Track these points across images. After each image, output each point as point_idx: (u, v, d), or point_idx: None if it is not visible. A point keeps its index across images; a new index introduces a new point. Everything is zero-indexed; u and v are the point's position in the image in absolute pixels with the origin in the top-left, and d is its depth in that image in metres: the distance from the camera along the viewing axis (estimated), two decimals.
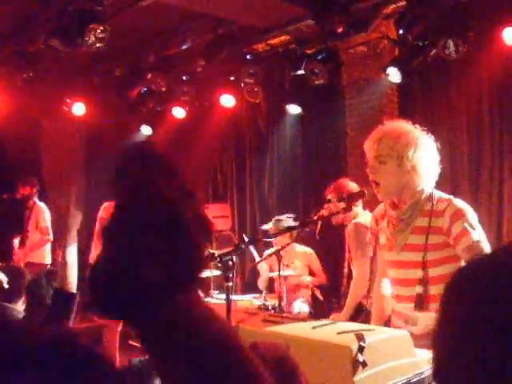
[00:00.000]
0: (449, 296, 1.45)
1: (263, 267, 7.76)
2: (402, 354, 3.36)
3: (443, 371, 1.43)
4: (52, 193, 10.06)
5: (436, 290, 3.79)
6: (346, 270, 5.95)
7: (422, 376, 3.27)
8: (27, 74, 8.59)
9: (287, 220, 7.40)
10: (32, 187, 8.65)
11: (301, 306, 7.09)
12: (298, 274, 7.36)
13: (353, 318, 5.44)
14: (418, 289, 3.88)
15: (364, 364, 3.09)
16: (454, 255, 3.84)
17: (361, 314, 5.53)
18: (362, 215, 5.63)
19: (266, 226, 7.68)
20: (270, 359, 2.34)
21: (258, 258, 7.20)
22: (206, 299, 6.01)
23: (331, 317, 5.99)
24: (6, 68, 8.64)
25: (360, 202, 5.70)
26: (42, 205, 9.05)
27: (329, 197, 5.61)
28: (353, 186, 5.79)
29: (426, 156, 4.04)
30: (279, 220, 7.47)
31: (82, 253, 7.60)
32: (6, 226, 8.57)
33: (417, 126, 4.25)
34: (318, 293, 7.43)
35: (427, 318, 3.72)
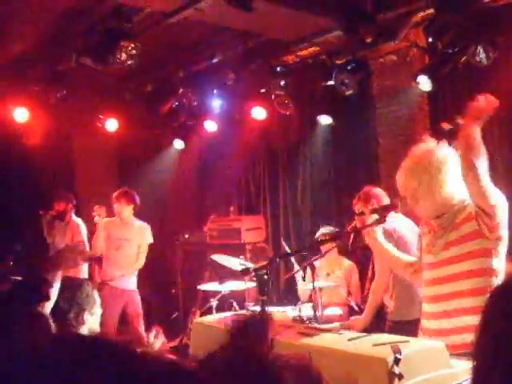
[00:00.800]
0: (492, 309, 1.45)
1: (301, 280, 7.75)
2: (438, 366, 3.35)
3: (482, 382, 1.43)
4: (86, 208, 10.15)
5: (471, 302, 3.78)
6: (370, 274, 5.93)
7: None
8: (60, 92, 8.71)
9: (333, 231, 7.39)
10: (67, 203, 8.71)
11: (334, 310, 7.10)
12: (335, 284, 7.31)
13: (372, 323, 5.49)
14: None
15: (400, 376, 3.09)
16: (486, 267, 3.85)
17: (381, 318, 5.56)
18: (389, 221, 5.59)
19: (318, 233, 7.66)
20: (294, 369, 2.36)
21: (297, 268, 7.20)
22: (241, 311, 6.01)
23: (351, 318, 6.01)
24: (39, 87, 8.77)
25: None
26: (77, 220, 9.13)
27: (357, 206, 5.59)
28: (380, 194, 5.76)
29: (450, 170, 4.09)
30: (325, 232, 7.46)
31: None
32: (42, 242, 8.66)
33: (437, 141, 4.26)
34: (354, 304, 7.40)
35: None
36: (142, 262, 8.54)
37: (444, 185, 4.05)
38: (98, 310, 4.07)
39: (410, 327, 5.08)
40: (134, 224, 8.58)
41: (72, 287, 4.08)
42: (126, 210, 8.40)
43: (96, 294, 4.03)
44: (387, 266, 5.33)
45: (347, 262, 7.77)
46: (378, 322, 5.62)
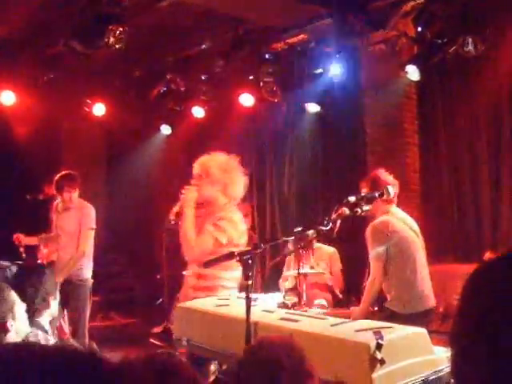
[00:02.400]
0: (472, 293, 1.46)
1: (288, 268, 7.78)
2: (421, 352, 3.38)
3: (461, 368, 1.44)
4: None
5: None
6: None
7: (441, 374, 3.29)
8: (48, 76, 8.68)
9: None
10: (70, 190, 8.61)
11: (320, 301, 7.12)
12: (319, 273, 7.35)
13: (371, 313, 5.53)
14: None
15: (382, 361, 3.11)
16: None
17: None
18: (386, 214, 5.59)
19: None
20: (279, 349, 2.42)
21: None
22: (227, 297, 6.03)
23: (351, 309, 6.03)
24: (27, 70, 8.72)
25: (395, 198, 5.66)
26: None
27: (363, 190, 5.56)
28: (388, 179, 5.73)
29: None
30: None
31: (99, 250, 7.63)
32: (29, 226, 8.62)
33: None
34: (338, 292, 7.43)
35: None
36: None
37: None
38: (58, 295, 4.07)
39: (411, 319, 5.13)
40: None
41: (38, 273, 4.07)
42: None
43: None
44: (381, 270, 5.37)
45: (330, 249, 7.78)
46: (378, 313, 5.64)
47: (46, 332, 3.96)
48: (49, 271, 4.05)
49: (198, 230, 5.12)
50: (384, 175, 5.78)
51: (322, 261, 7.62)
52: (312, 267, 7.16)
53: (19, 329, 3.55)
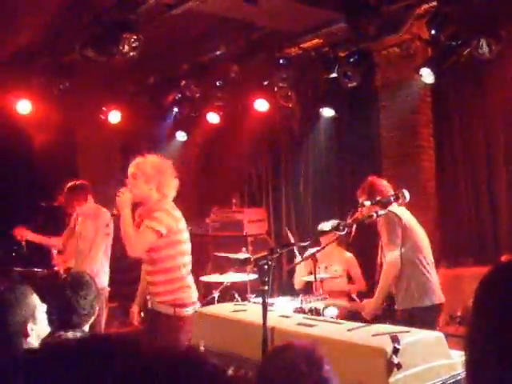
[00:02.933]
0: (485, 298, 1.45)
1: (300, 269, 7.77)
2: (437, 356, 3.37)
3: (474, 372, 1.44)
4: None
5: None
6: (379, 259, 5.95)
7: (458, 378, 3.27)
8: (63, 84, 8.71)
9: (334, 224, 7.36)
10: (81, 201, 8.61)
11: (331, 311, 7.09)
12: (335, 276, 7.34)
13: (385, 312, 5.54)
14: None
15: (399, 366, 3.10)
16: None
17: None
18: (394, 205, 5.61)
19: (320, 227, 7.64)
20: (298, 355, 2.42)
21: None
22: (244, 303, 6.02)
23: (364, 301, 6.04)
24: (42, 79, 8.76)
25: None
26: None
27: (361, 199, 5.60)
28: (384, 184, 5.79)
29: None
30: (324, 228, 7.44)
31: (117, 258, 7.64)
32: (44, 233, 8.66)
33: None
34: (354, 296, 7.41)
35: None
36: None
37: None
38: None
39: (420, 315, 5.17)
40: None
41: (84, 284, 4.04)
42: None
43: None
44: (398, 256, 5.39)
45: (347, 255, 7.77)
46: (390, 312, 5.66)
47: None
48: (92, 281, 4.05)
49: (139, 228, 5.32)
50: (378, 181, 5.86)
51: (338, 264, 7.60)
52: (326, 267, 7.17)
53: (40, 332, 3.59)
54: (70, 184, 7.72)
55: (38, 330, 3.59)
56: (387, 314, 5.57)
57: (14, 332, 3.46)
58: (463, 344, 1.49)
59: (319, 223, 7.59)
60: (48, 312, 3.70)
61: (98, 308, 4.01)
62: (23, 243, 8.06)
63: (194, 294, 5.41)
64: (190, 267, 5.47)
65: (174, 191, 5.50)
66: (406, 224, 5.51)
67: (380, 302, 5.57)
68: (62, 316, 3.83)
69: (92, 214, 7.57)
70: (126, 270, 8.79)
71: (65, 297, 3.85)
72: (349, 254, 7.79)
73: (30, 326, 3.52)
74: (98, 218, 7.50)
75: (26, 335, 3.50)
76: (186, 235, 5.47)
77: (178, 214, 5.41)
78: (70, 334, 3.79)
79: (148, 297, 5.52)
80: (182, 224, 5.43)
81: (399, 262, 5.45)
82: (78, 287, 3.92)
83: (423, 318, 5.26)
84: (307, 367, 2.34)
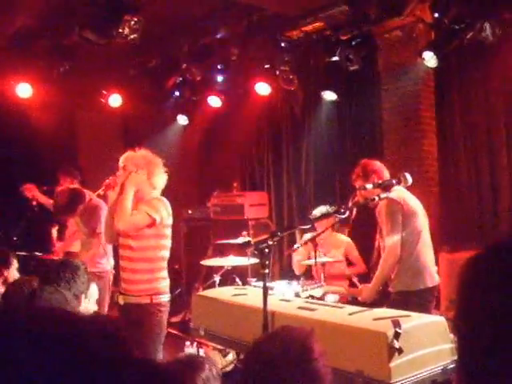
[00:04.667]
0: (482, 278, 1.43)
1: (298, 253, 7.76)
2: (439, 340, 3.35)
3: (466, 357, 1.42)
4: (89, 184, 10.13)
5: None
6: (376, 243, 5.94)
7: None
8: (63, 67, 8.67)
9: (330, 208, 7.34)
10: (73, 179, 8.59)
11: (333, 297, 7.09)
12: (336, 260, 7.33)
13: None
14: None
15: (400, 350, 3.09)
16: None
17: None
18: (395, 190, 5.58)
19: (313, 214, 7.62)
20: (294, 342, 2.40)
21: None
22: (244, 287, 6.01)
23: (360, 287, 6.03)
24: (41, 61, 8.72)
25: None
26: (98, 202, 8.98)
27: (357, 183, 5.58)
28: (377, 165, 5.76)
29: None
30: (323, 208, 7.42)
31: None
32: (45, 217, 8.64)
33: None
34: (355, 280, 7.40)
35: None
36: None
37: None
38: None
39: (414, 297, 5.17)
40: None
41: (72, 267, 4.07)
42: None
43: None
44: (398, 242, 5.37)
45: (344, 239, 7.75)
46: (384, 295, 5.65)
47: None
48: (83, 267, 4.06)
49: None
50: (371, 162, 5.81)
51: (337, 249, 7.59)
52: (324, 255, 7.15)
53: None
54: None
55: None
56: (382, 296, 5.57)
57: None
58: (456, 330, 1.48)
59: (320, 207, 7.57)
60: None
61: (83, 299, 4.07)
62: (34, 203, 8.07)
63: (167, 286, 5.43)
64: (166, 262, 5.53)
65: (162, 184, 5.60)
66: (406, 209, 5.48)
67: (378, 287, 5.55)
68: None
69: (94, 212, 7.57)
70: None
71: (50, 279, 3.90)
72: (346, 238, 7.77)
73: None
74: (101, 211, 7.49)
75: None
76: (170, 232, 5.51)
77: (170, 209, 5.46)
78: None
79: (117, 294, 5.54)
80: (171, 220, 5.48)
81: (399, 248, 5.43)
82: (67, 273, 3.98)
83: (418, 300, 5.25)
84: (298, 357, 2.32)
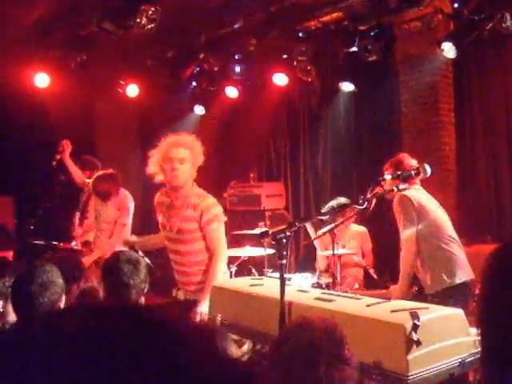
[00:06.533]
0: (503, 275, 1.41)
1: (318, 245, 7.75)
2: (457, 333, 3.33)
3: (489, 349, 1.40)
4: None
5: None
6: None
7: (478, 356, 3.23)
8: (80, 58, 8.69)
9: (347, 200, 7.30)
10: (92, 169, 8.58)
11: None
12: (352, 253, 7.30)
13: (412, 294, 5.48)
14: None
15: (418, 342, 3.07)
16: None
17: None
18: (411, 189, 5.52)
19: (327, 205, 7.58)
20: (318, 332, 2.38)
21: (313, 236, 7.19)
22: (261, 277, 6.00)
23: (390, 288, 5.95)
24: (59, 52, 8.75)
25: (418, 181, 5.58)
26: (125, 192, 8.98)
27: (386, 173, 5.51)
28: (412, 162, 5.66)
29: None
30: (339, 200, 7.38)
31: (137, 233, 7.64)
32: (66, 206, 8.68)
33: None
34: (372, 271, 7.37)
35: None
36: None
37: None
38: None
39: (453, 293, 5.10)
40: None
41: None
42: None
43: None
44: (414, 240, 5.32)
45: (360, 228, 7.72)
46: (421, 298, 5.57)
47: None
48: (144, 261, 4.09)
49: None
50: (408, 159, 5.69)
51: (353, 239, 7.57)
52: (344, 246, 7.12)
53: None
54: (110, 172, 7.68)
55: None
56: (418, 299, 5.49)
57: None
58: (480, 323, 1.46)
59: (337, 198, 7.53)
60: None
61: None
62: (58, 156, 8.08)
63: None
64: None
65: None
66: (418, 206, 5.41)
67: (406, 286, 5.46)
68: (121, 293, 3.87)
69: (124, 206, 7.56)
70: None
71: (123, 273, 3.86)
72: (362, 228, 7.74)
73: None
74: (129, 210, 7.51)
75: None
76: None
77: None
78: None
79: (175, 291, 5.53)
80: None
81: (415, 243, 5.37)
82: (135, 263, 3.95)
83: (455, 296, 5.16)
84: (327, 345, 2.30)
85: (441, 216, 5.60)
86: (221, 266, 5.18)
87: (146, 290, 4.01)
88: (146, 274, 3.96)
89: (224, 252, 5.25)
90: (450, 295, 5.16)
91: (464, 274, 5.43)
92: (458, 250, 5.53)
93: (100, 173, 7.73)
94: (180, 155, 5.31)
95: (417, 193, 5.50)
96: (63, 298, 3.71)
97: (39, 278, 3.56)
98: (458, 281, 5.36)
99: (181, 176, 5.28)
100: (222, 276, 5.26)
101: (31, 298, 3.52)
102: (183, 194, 5.33)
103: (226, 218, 5.42)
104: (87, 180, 8.19)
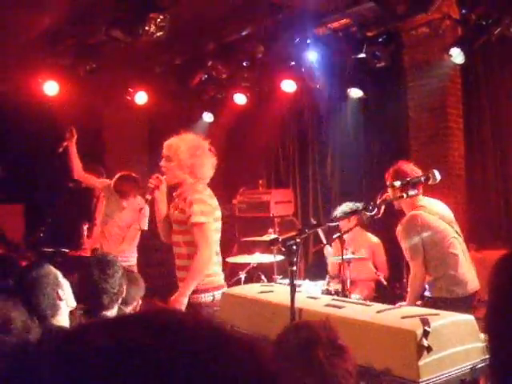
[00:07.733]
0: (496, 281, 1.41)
1: (328, 252, 7.74)
2: (468, 339, 3.32)
3: (499, 355, 1.40)
4: None
5: None
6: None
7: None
8: (89, 65, 8.73)
9: (354, 205, 7.27)
10: (98, 176, 8.63)
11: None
12: (363, 257, 7.27)
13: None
14: None
15: (429, 349, 3.07)
16: None
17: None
18: (422, 204, 5.48)
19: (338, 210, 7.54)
20: (315, 327, 2.46)
21: (325, 242, 7.19)
22: (271, 284, 6.00)
23: (397, 305, 5.93)
24: (68, 60, 8.78)
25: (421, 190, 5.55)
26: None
27: (388, 182, 5.50)
28: (412, 169, 5.64)
29: None
30: (348, 205, 7.35)
31: (145, 238, 7.67)
32: (73, 214, 8.71)
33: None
34: (382, 278, 7.35)
35: None
36: None
37: None
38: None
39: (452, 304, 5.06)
40: None
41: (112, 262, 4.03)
42: None
43: None
44: (421, 265, 5.30)
45: (374, 239, 7.70)
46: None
47: None
48: (115, 259, 4.05)
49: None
50: (407, 166, 5.66)
51: (365, 249, 7.52)
52: (353, 253, 7.10)
53: (68, 299, 3.64)
54: (133, 175, 7.75)
55: (66, 295, 3.61)
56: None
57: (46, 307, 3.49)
58: (489, 330, 1.46)
59: (346, 203, 7.51)
60: (77, 297, 3.70)
61: (125, 287, 3.99)
62: (65, 143, 8.09)
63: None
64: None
65: (210, 171, 5.50)
66: (424, 222, 5.37)
67: (414, 304, 5.45)
68: (92, 298, 3.82)
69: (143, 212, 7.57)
70: (148, 251, 8.84)
71: (92, 278, 3.81)
72: (375, 239, 7.71)
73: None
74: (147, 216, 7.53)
75: (60, 299, 3.53)
76: (219, 224, 5.39)
77: (215, 202, 5.36)
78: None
79: None
80: (218, 213, 5.38)
81: (423, 270, 5.35)
82: (105, 266, 3.89)
83: (455, 309, 5.12)
84: (324, 336, 2.37)
85: (447, 230, 5.52)
86: (201, 264, 5.09)
87: (122, 295, 3.95)
88: (120, 277, 3.92)
89: (207, 250, 5.11)
90: (449, 305, 5.13)
91: (468, 287, 5.40)
92: (464, 263, 5.48)
93: (124, 172, 7.79)
94: (164, 152, 5.47)
95: (420, 213, 5.44)
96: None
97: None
98: (455, 296, 5.35)
99: (166, 173, 5.40)
100: (218, 278, 5.26)
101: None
102: (183, 191, 5.38)
103: (218, 218, 5.36)
104: (98, 180, 8.22)
